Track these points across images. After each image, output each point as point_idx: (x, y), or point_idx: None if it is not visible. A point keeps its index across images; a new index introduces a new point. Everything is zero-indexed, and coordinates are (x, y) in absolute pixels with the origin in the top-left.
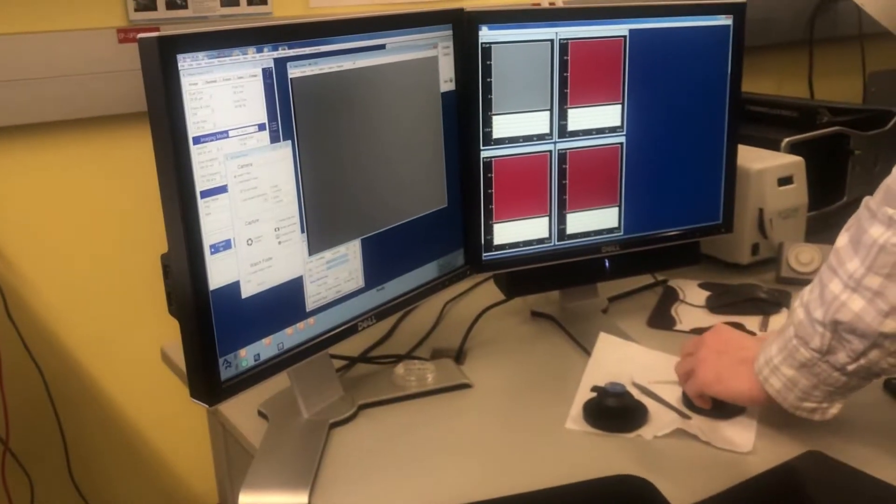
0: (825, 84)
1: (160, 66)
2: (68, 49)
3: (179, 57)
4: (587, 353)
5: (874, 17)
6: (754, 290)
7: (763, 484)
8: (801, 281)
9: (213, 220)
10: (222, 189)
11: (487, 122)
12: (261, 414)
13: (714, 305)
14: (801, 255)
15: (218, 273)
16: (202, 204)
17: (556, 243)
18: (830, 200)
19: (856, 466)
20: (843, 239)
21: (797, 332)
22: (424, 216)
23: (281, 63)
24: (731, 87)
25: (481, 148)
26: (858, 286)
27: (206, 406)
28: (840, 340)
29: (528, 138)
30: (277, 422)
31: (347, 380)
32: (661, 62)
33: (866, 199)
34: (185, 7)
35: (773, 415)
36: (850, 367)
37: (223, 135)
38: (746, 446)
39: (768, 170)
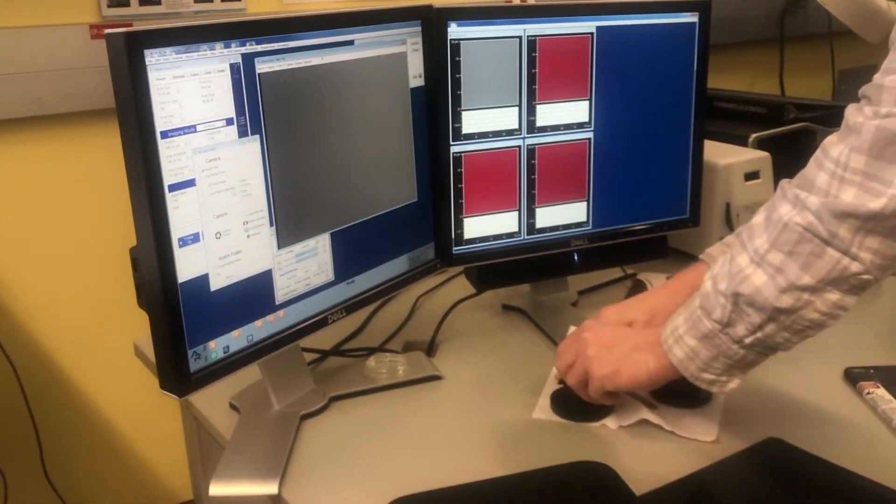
0: (796, 81)
1: (127, 61)
2: (41, 45)
3: (147, 52)
4: (556, 345)
5: (836, 15)
6: None
7: (724, 470)
8: None
9: (182, 213)
10: (190, 183)
11: (457, 118)
12: (232, 406)
13: None
14: None
15: (186, 266)
16: (170, 198)
17: (526, 237)
18: None
19: (814, 453)
20: (759, 216)
21: (702, 303)
22: (394, 210)
23: (249, 58)
24: (697, 84)
25: (451, 143)
26: (762, 261)
27: (176, 397)
28: (739, 313)
29: (497, 134)
30: (248, 414)
31: (319, 372)
32: (628, 59)
33: (783, 181)
34: (159, 3)
35: (736, 404)
36: (748, 340)
37: (191, 129)
38: (710, 436)
39: (735, 165)
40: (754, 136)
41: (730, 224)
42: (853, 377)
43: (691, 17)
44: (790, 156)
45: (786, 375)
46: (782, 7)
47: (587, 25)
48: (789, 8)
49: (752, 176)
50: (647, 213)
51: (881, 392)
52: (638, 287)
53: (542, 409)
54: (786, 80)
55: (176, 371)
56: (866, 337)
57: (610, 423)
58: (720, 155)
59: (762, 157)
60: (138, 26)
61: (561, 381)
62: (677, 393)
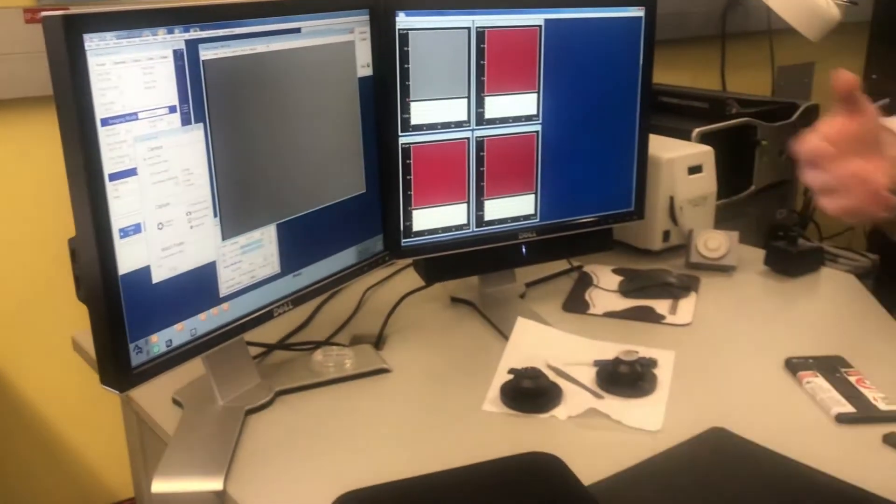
0: (737, 77)
1: (66, 46)
2: None
3: (86, 37)
4: (505, 337)
5: (777, 12)
6: (664, 276)
7: (669, 459)
8: (710, 266)
9: (123, 203)
10: (131, 172)
11: (405, 109)
12: (175, 402)
13: (626, 290)
14: (709, 242)
15: (127, 258)
16: (111, 187)
17: (475, 229)
18: (738, 189)
19: (757, 441)
20: None
21: None
22: (342, 202)
23: (192, 45)
24: (642, 78)
25: (399, 134)
26: None
27: (117, 393)
28: None
29: (446, 125)
30: (192, 409)
31: (265, 367)
32: (575, 52)
33: None
34: None
35: (681, 394)
36: None
37: (132, 117)
38: (656, 425)
39: (679, 159)
40: (697, 130)
41: (673, 217)
42: (793, 367)
43: (637, 12)
44: (732, 150)
45: (729, 366)
46: (724, 4)
47: (535, 18)
48: (731, 5)
49: (695, 170)
50: (594, 206)
51: (819, 381)
52: (584, 279)
53: (492, 401)
54: (727, 76)
55: (117, 365)
56: (806, 328)
57: (558, 413)
58: (664, 149)
59: (705, 151)
60: (76, 9)
61: (510, 372)
62: (624, 384)
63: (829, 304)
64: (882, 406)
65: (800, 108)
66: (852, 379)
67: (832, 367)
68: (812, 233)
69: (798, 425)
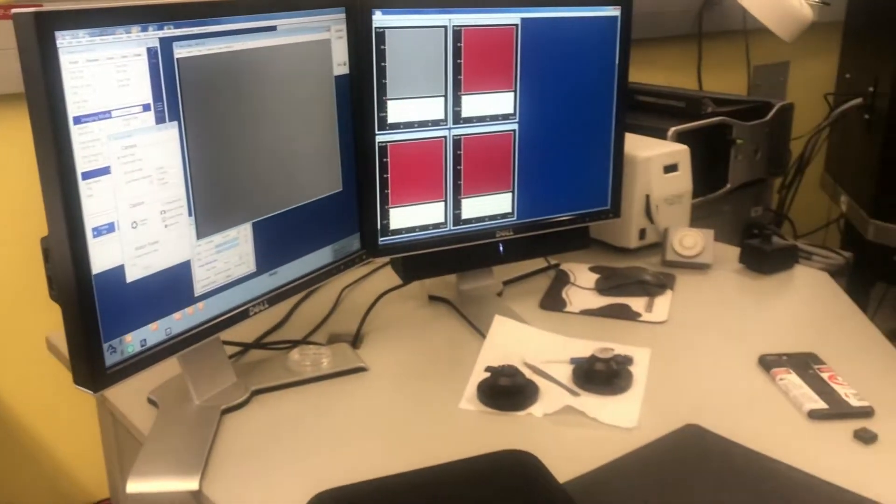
0: (713, 76)
1: (37, 43)
2: None
3: (58, 34)
4: (482, 335)
5: (751, 12)
6: (640, 273)
7: (643, 456)
8: (685, 264)
9: (96, 202)
10: (105, 170)
11: (382, 107)
12: (150, 401)
13: (602, 288)
14: (685, 240)
15: (101, 257)
16: (84, 186)
17: (452, 228)
18: (714, 187)
19: (731, 438)
20: None
21: None
22: (319, 200)
23: (167, 43)
24: (618, 77)
25: (376, 132)
26: None
27: (91, 393)
28: None
29: (423, 124)
30: (167, 408)
31: (241, 366)
32: (552, 51)
33: None
34: None
35: (656, 392)
36: None
37: (106, 115)
38: (631, 422)
39: (655, 157)
40: (673, 129)
41: (649, 215)
42: (767, 364)
43: (613, 11)
44: (708, 148)
45: (704, 363)
46: (700, 4)
47: (512, 17)
48: (707, 5)
49: (671, 168)
50: (570, 205)
51: (792, 378)
52: (561, 277)
53: (469, 399)
54: (704, 75)
55: (90, 365)
56: (779, 325)
57: (535, 411)
58: (640, 148)
59: (681, 149)
60: (49, 6)
61: (487, 370)
62: (599, 381)
63: (803, 302)
64: (853, 402)
65: (774, 107)
66: (825, 375)
67: (805, 364)
68: (787, 230)
69: (771, 422)
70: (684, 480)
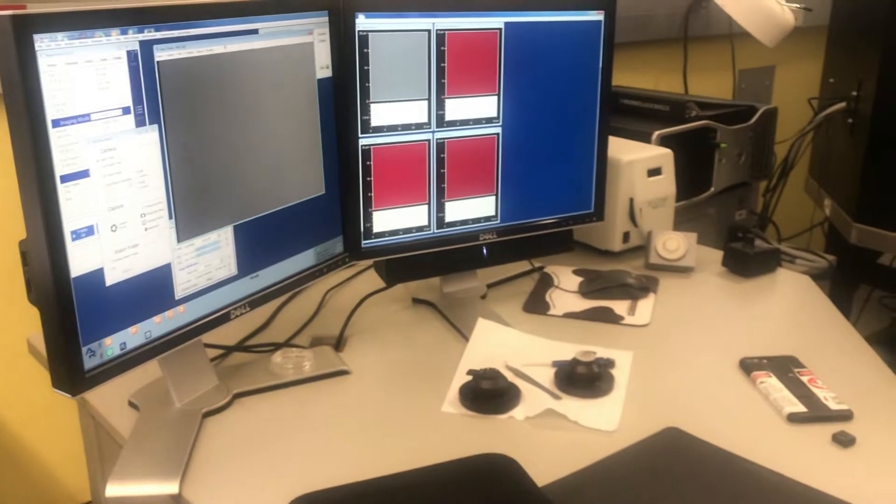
0: (699, 80)
1: (15, 46)
2: None
3: (36, 37)
4: (465, 338)
5: (734, 18)
6: (624, 276)
7: (623, 459)
8: (668, 267)
9: (75, 205)
10: (84, 174)
11: (365, 110)
12: (131, 404)
13: (586, 291)
14: (668, 243)
15: (80, 260)
16: (62, 189)
17: (436, 231)
18: (698, 191)
19: (711, 441)
20: None
21: None
22: (301, 203)
23: (147, 46)
24: (602, 81)
25: (359, 135)
26: None
27: (70, 396)
28: None
29: (406, 127)
30: (148, 412)
31: (223, 369)
32: (535, 55)
33: None
34: None
35: (637, 395)
36: None
37: (85, 118)
38: (612, 425)
39: (638, 161)
40: (657, 133)
41: (633, 219)
42: (747, 367)
43: (597, 16)
44: (692, 152)
45: (685, 366)
46: (686, 8)
47: (496, 21)
48: (693, 9)
49: (654, 172)
50: (554, 208)
51: (773, 381)
52: (545, 280)
53: (451, 403)
54: (689, 79)
55: (69, 368)
56: (760, 328)
57: (517, 414)
58: (624, 151)
59: (664, 153)
60: (32, 9)
61: (469, 373)
62: (581, 384)
63: (784, 305)
64: (832, 405)
65: (759, 111)
66: (804, 379)
67: (785, 367)
68: (771, 234)
69: (751, 425)
70: (664, 483)
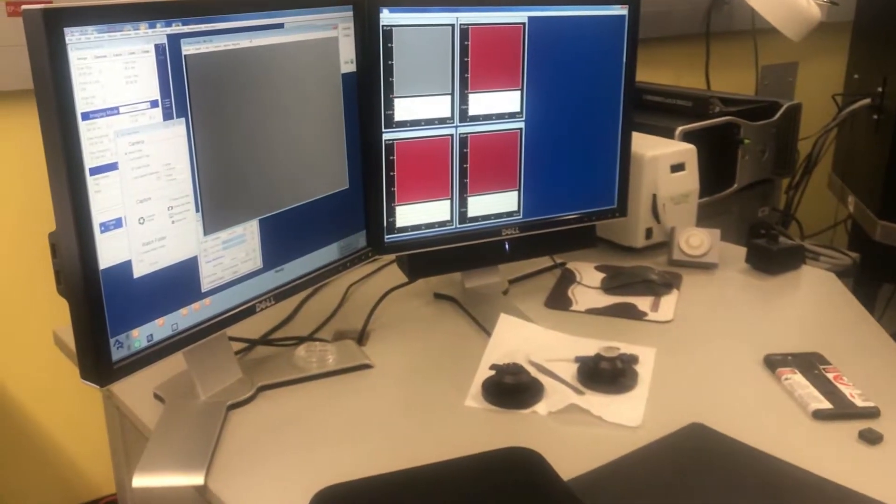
0: (721, 76)
1: (46, 39)
2: None
3: (66, 31)
4: (488, 333)
5: (759, 12)
6: (646, 273)
7: (647, 455)
8: (691, 264)
9: (103, 197)
10: (112, 166)
11: (389, 105)
12: (157, 396)
13: (608, 287)
14: (691, 239)
15: (108, 252)
16: (91, 181)
17: (458, 226)
18: (721, 187)
19: (735, 437)
20: None
21: None
22: (325, 197)
23: (174, 39)
24: (626, 76)
25: (383, 130)
26: None
27: (98, 387)
28: None
29: (429, 122)
30: (173, 404)
31: (247, 362)
32: (559, 50)
33: None
34: None
35: (661, 390)
36: None
37: (113, 111)
38: (636, 420)
39: (662, 157)
40: (680, 128)
41: (656, 215)
42: (772, 364)
43: (621, 10)
44: (715, 148)
45: (709, 363)
46: (708, 3)
47: (519, 15)
48: (715, 4)
49: (677, 168)
50: (577, 203)
51: (798, 378)
52: (567, 276)
53: (474, 397)
54: (711, 75)
55: (97, 360)
56: (785, 325)
57: (540, 409)
58: (647, 147)
59: (688, 149)
60: (59, 3)
61: (492, 368)
62: (604, 380)
63: (809, 302)
64: (859, 403)
65: (782, 107)
66: (830, 376)
67: (810, 364)
68: (794, 231)
69: (776, 421)
70: (688, 479)
